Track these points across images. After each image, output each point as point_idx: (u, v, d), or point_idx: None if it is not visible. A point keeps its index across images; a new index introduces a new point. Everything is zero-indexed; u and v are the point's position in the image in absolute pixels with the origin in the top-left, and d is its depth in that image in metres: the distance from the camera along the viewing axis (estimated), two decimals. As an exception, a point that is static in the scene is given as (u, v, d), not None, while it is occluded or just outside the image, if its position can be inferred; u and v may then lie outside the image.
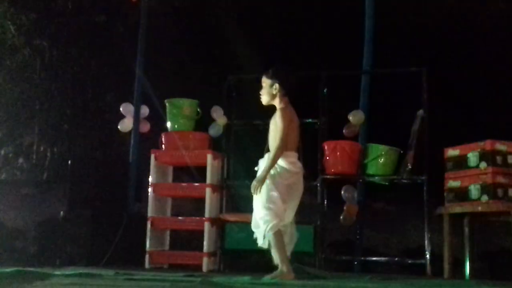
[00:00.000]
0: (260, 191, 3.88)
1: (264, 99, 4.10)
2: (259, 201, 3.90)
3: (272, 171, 3.89)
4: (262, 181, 3.88)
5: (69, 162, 5.92)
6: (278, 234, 3.84)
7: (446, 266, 4.85)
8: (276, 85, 4.01)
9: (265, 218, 3.83)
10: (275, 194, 3.85)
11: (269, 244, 3.89)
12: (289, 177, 3.92)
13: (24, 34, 7.11)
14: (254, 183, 3.91)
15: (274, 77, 4.04)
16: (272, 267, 3.91)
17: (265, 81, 4.08)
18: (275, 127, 3.99)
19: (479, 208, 4.65)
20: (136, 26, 6.15)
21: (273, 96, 4.04)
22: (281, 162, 3.91)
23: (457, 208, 4.83)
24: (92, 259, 5.30)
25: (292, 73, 4.16)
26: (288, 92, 4.03)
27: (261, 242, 3.91)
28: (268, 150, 4.04)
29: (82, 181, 5.74)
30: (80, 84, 6.90)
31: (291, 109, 4.03)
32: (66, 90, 6.89)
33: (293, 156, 3.97)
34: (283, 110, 4.00)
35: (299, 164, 3.99)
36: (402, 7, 5.95)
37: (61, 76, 7.02)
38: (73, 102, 6.86)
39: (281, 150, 3.89)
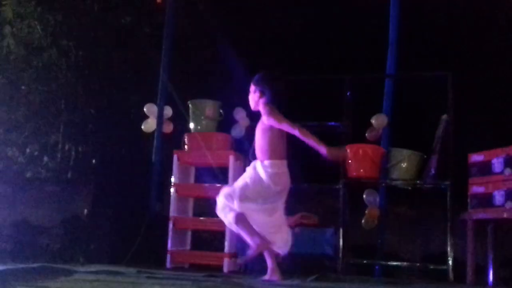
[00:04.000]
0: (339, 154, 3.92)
1: (250, 103, 4.09)
2: (242, 178, 3.92)
3: (261, 171, 3.82)
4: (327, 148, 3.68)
5: (93, 161, 6.00)
6: (243, 216, 3.86)
7: (468, 272, 4.81)
8: (257, 92, 3.99)
9: (236, 197, 3.85)
10: (251, 188, 3.83)
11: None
12: (268, 188, 3.82)
13: (50, 34, 7.20)
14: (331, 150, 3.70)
15: (256, 83, 4.02)
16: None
17: (251, 86, 4.06)
18: (261, 131, 3.92)
19: (504, 215, 4.60)
20: (161, 27, 6.20)
21: (256, 102, 4.01)
22: (268, 168, 3.82)
23: (481, 214, 4.79)
24: (114, 257, 5.35)
25: (278, 81, 4.04)
26: (271, 99, 3.92)
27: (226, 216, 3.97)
28: (254, 157, 3.96)
29: (106, 180, 5.81)
30: (105, 84, 6.97)
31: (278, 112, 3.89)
32: (91, 90, 6.97)
33: (281, 165, 3.86)
34: (266, 106, 3.88)
35: (284, 179, 3.86)
36: (427, 11, 5.92)
37: (86, 76, 7.10)
38: (98, 102, 6.93)
39: (298, 126, 3.75)
